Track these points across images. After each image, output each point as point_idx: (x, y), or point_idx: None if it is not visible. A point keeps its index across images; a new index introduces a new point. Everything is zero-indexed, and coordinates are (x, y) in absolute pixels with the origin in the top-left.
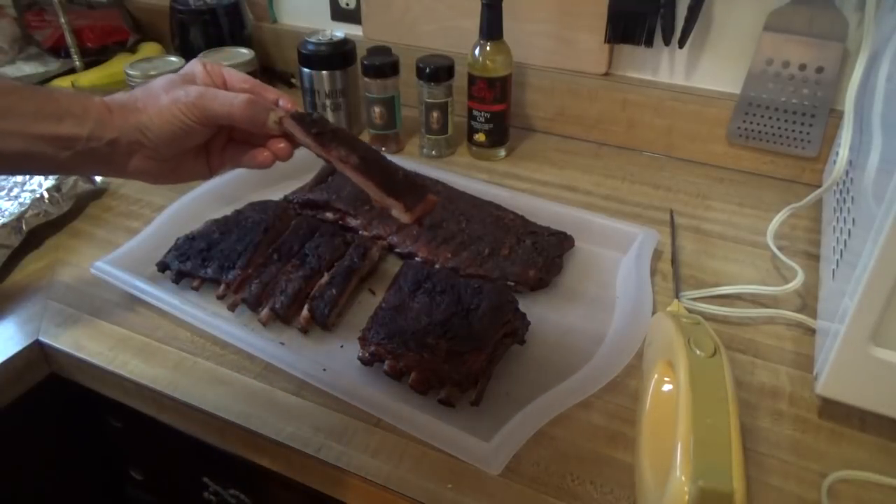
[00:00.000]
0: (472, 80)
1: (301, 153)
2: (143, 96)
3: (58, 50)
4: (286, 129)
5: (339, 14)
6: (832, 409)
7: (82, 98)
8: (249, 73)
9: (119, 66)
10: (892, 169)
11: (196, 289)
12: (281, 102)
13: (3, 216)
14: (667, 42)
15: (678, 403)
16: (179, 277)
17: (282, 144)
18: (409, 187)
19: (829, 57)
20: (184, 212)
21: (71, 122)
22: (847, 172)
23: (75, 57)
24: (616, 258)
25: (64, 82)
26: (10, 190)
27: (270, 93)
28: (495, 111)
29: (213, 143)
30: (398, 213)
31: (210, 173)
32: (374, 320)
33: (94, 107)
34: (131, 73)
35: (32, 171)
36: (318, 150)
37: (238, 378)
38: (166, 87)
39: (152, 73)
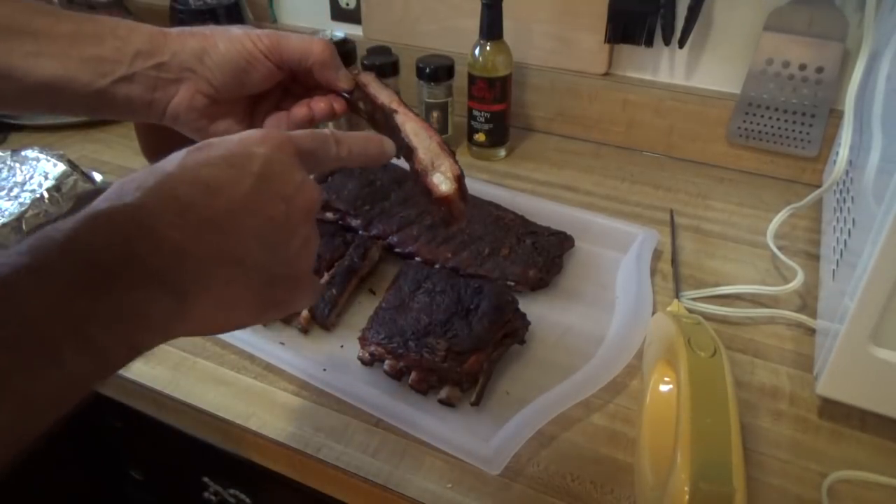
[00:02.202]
0: (472, 80)
1: None
2: (212, 27)
3: None
4: (361, 80)
5: (339, 14)
6: (832, 409)
7: (130, 22)
8: None
9: None
10: (892, 169)
11: None
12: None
13: (3, 216)
14: (667, 42)
15: (678, 403)
16: None
17: (339, 102)
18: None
19: (829, 57)
20: None
21: (114, 42)
22: (847, 172)
23: None
24: (616, 258)
25: None
26: (10, 190)
27: None
28: (495, 111)
29: (261, 105)
30: (444, 174)
31: None
32: (374, 320)
33: (144, 30)
34: None
35: (67, 107)
36: (389, 100)
37: (238, 378)
38: (239, 26)
39: None
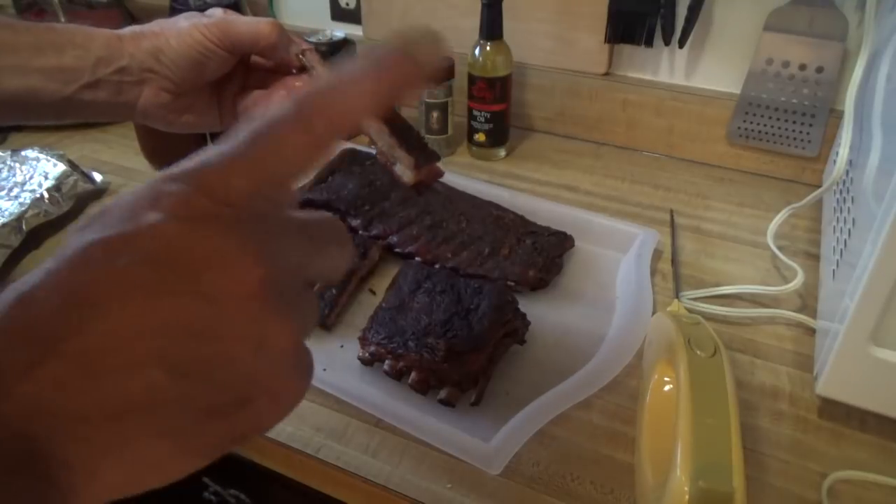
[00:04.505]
0: (472, 80)
1: None
2: (160, 23)
3: None
4: (307, 62)
5: (339, 14)
6: (832, 409)
7: (85, 28)
8: None
9: None
10: (892, 169)
11: None
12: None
13: (3, 216)
14: (667, 42)
15: (678, 403)
16: None
17: (299, 83)
18: (422, 147)
19: (829, 57)
20: None
21: (74, 51)
22: (847, 172)
23: None
24: (616, 258)
25: None
26: (10, 190)
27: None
28: (495, 111)
29: (226, 89)
30: (404, 168)
31: (220, 123)
32: (374, 320)
33: (100, 36)
34: None
35: (36, 115)
36: None
37: None
38: (187, 16)
39: None
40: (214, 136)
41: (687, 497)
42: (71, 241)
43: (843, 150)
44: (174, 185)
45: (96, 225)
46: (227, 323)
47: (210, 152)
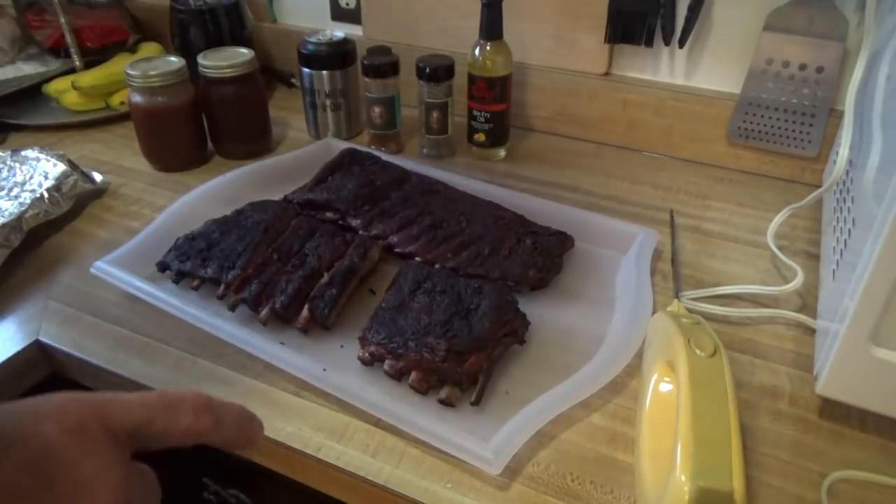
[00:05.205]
0: (472, 80)
1: (303, 153)
2: None
3: (58, 50)
4: None
5: (339, 14)
6: (832, 409)
7: None
8: (249, 73)
9: (119, 65)
10: (892, 169)
11: (196, 289)
12: None
13: (3, 216)
14: (667, 42)
15: (678, 403)
16: (179, 277)
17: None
18: None
19: (829, 57)
20: (184, 212)
21: None
22: (847, 172)
23: (75, 57)
24: (616, 258)
25: (64, 83)
26: (10, 190)
27: None
28: (495, 111)
29: None
30: None
31: None
32: (374, 320)
33: None
34: (131, 72)
35: None
36: None
37: (238, 378)
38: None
39: (152, 72)
40: (214, 136)
41: (687, 497)
42: None
43: (843, 150)
44: (76, 404)
45: None
46: None
47: (118, 393)
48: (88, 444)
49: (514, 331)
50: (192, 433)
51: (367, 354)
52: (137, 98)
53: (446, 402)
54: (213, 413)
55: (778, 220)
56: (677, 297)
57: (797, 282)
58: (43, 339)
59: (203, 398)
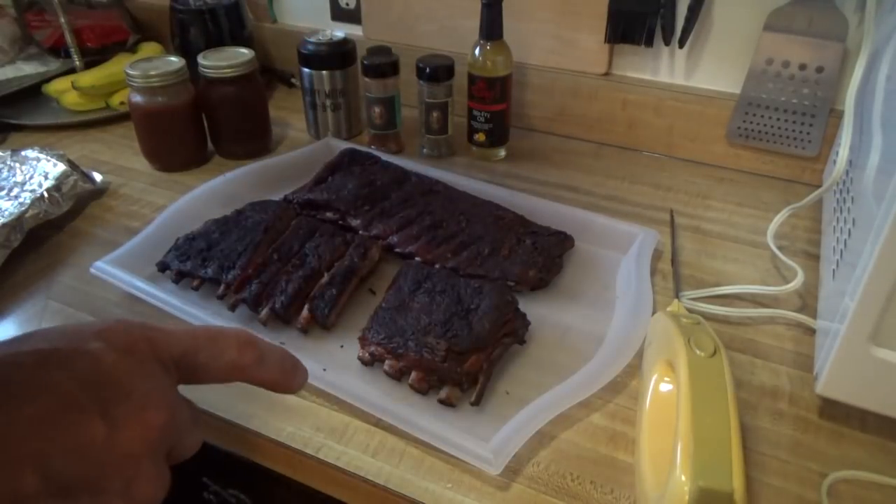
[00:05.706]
0: (472, 80)
1: (303, 153)
2: None
3: (58, 50)
4: None
5: (339, 14)
6: (832, 409)
7: None
8: (249, 73)
9: (119, 65)
10: (892, 169)
11: (196, 289)
12: None
13: (3, 216)
14: (667, 42)
15: (678, 403)
16: (179, 277)
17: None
18: None
19: (829, 57)
20: (184, 212)
21: None
22: (847, 172)
23: (75, 57)
24: (616, 258)
25: (64, 83)
26: (10, 190)
27: None
28: (495, 111)
29: None
30: None
31: None
32: (374, 320)
33: None
34: (131, 72)
35: None
36: None
37: None
38: None
39: (152, 72)
40: (214, 136)
41: (687, 497)
42: (11, 344)
43: (843, 150)
44: (123, 325)
45: (38, 337)
46: (115, 450)
47: (165, 324)
48: (138, 365)
49: (514, 331)
50: (235, 367)
51: (367, 354)
52: (137, 98)
53: (446, 402)
54: (258, 350)
55: (778, 220)
56: (677, 297)
57: (797, 282)
58: None
59: (248, 334)
